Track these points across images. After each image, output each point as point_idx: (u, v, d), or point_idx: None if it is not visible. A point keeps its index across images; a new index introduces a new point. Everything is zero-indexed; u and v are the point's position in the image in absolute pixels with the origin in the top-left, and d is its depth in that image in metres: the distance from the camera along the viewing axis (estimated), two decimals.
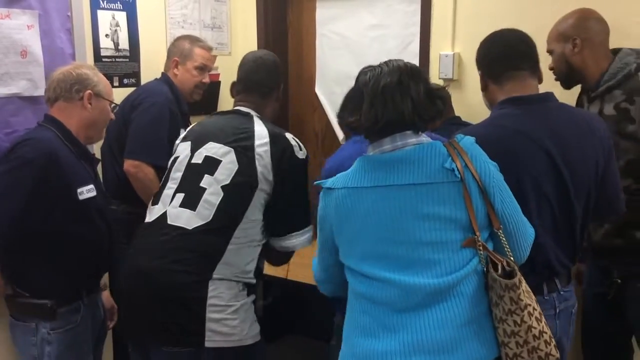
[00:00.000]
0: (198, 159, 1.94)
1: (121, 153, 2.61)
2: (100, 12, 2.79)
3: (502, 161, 1.63)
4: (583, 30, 2.20)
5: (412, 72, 1.54)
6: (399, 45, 3.18)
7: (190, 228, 1.84)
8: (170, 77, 2.78)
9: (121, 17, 2.90)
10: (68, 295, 2.10)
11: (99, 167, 2.50)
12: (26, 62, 2.34)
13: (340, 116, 1.72)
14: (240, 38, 3.56)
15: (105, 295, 2.37)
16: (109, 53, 2.86)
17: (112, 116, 2.23)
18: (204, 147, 1.95)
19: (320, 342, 3.21)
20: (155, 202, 2.01)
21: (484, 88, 1.93)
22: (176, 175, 1.97)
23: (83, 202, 2.06)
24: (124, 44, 2.94)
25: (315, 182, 1.65)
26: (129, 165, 2.57)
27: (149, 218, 2.00)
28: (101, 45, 2.81)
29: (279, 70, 2.17)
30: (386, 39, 3.23)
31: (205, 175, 1.89)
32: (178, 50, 2.80)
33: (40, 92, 2.38)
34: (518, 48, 1.85)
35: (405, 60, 1.58)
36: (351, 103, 1.59)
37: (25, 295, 2.05)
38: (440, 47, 2.92)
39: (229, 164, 1.89)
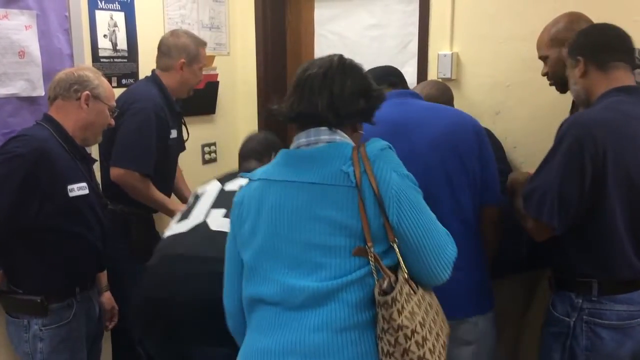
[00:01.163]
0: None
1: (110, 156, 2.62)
2: (98, 13, 2.78)
3: (619, 146, 1.67)
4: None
5: (344, 67, 1.50)
6: (398, 45, 3.18)
7: None
8: (159, 76, 2.74)
9: (119, 17, 2.89)
10: (60, 291, 2.11)
11: (97, 169, 2.52)
12: (24, 62, 2.33)
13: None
14: (238, 38, 3.56)
15: (107, 297, 2.38)
16: (107, 53, 2.85)
17: (112, 121, 2.24)
18: None
19: None
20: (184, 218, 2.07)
21: (583, 75, 1.91)
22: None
23: (74, 199, 2.07)
24: (122, 44, 2.93)
25: (241, 174, 1.76)
26: (114, 173, 2.58)
27: (182, 228, 2.02)
28: (99, 46, 2.80)
29: None
30: (385, 38, 3.23)
31: None
32: (184, 50, 2.74)
33: (38, 92, 2.38)
34: (627, 41, 1.89)
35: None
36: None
37: (18, 291, 2.08)
38: (438, 47, 2.91)
39: None
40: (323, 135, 1.48)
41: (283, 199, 1.46)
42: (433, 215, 1.46)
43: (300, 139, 1.51)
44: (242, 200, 1.54)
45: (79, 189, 2.07)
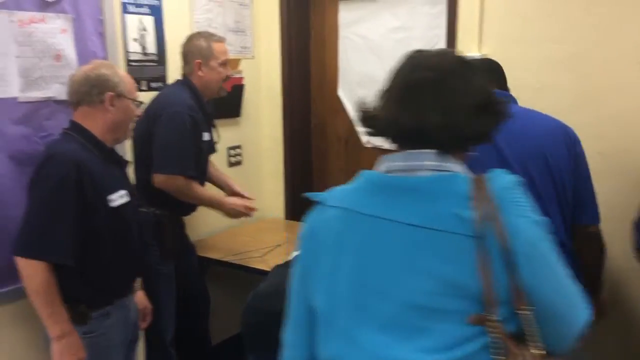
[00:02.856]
0: None
1: (148, 161, 2.64)
2: (127, 16, 2.81)
3: None
4: None
5: (464, 70, 1.16)
6: (424, 47, 3.15)
7: None
8: (191, 80, 2.76)
9: (148, 21, 2.91)
10: (100, 300, 2.10)
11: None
12: (60, 66, 2.35)
13: (362, 105, 1.26)
14: (263, 42, 3.57)
15: (140, 296, 2.38)
16: (137, 57, 2.87)
17: (138, 112, 2.20)
18: None
19: None
20: None
21: None
22: None
23: (115, 209, 2.06)
24: (152, 48, 2.95)
25: (304, 195, 1.30)
26: (158, 180, 2.60)
27: None
28: (130, 50, 2.83)
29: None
30: (410, 40, 3.23)
31: None
32: (197, 52, 2.75)
33: None
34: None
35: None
36: (379, 93, 1.21)
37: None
38: (466, 49, 2.91)
39: None
40: (428, 161, 1.13)
41: (373, 241, 1.13)
42: (566, 271, 1.14)
43: (395, 162, 1.15)
44: (315, 230, 1.21)
45: (119, 198, 2.07)
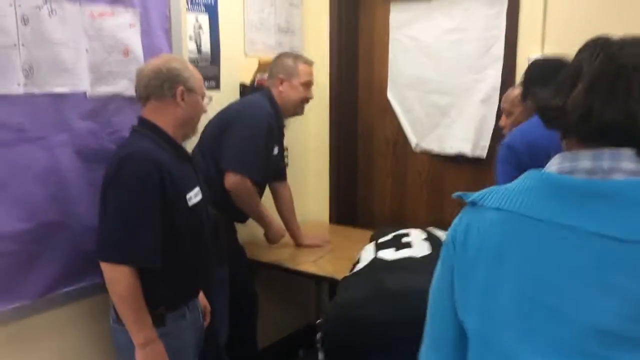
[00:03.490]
0: None
1: (214, 159, 2.61)
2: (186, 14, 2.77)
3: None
4: None
5: None
6: (480, 48, 3.12)
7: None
8: (272, 92, 2.80)
9: (204, 19, 2.87)
10: (177, 300, 2.05)
11: None
12: (127, 61, 2.30)
13: (541, 97, 1.10)
14: (312, 42, 3.53)
15: (200, 296, 2.33)
16: (192, 56, 2.83)
17: (206, 109, 2.17)
18: None
19: None
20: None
21: None
22: None
23: (192, 208, 2.01)
24: (206, 46, 2.90)
25: (454, 194, 1.13)
26: (231, 180, 2.61)
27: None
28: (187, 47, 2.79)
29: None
30: (464, 42, 3.17)
31: None
32: (281, 68, 2.84)
33: None
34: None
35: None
36: (561, 83, 1.03)
37: None
38: (528, 50, 2.87)
39: None
40: (625, 163, 0.96)
41: (548, 250, 0.96)
42: None
43: (581, 161, 0.98)
44: (467, 236, 1.05)
45: (195, 196, 2.03)
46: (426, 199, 3.47)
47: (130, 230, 1.85)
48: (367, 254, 2.09)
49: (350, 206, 3.72)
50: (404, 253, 1.94)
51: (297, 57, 2.90)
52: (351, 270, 2.14)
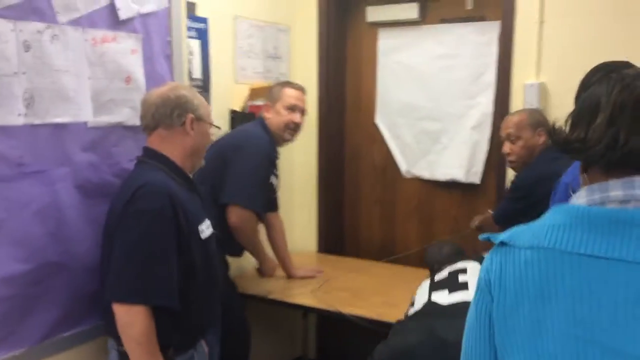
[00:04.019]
0: None
1: (212, 192, 2.51)
2: None
3: None
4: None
5: None
6: (471, 74, 3.13)
7: None
8: (265, 122, 2.73)
9: (195, 45, 2.76)
10: (186, 342, 1.93)
11: None
12: (129, 88, 2.17)
13: (557, 132, 1.08)
14: (299, 68, 3.46)
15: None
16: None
17: (213, 138, 2.12)
18: None
19: None
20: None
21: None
22: None
23: (204, 242, 1.91)
24: (197, 72, 2.79)
25: (482, 236, 1.10)
26: (237, 214, 2.53)
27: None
28: None
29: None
30: (455, 68, 3.18)
31: None
32: (269, 95, 2.79)
33: None
34: None
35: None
36: (579, 116, 1.04)
37: None
38: (523, 77, 2.88)
39: None
40: None
41: (596, 286, 0.93)
42: None
43: (612, 192, 0.98)
44: (502, 277, 1.02)
45: (207, 228, 1.93)
46: (417, 226, 3.42)
47: (147, 268, 1.72)
48: (421, 296, 2.01)
49: (338, 235, 3.64)
50: (458, 297, 1.87)
51: (286, 82, 2.85)
52: (406, 314, 2.06)
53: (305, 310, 3.15)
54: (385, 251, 3.43)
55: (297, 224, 3.57)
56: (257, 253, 2.78)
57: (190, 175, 2.00)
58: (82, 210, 2.04)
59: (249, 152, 2.53)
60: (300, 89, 2.82)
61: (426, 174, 3.33)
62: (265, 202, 2.63)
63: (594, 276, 0.93)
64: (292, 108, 2.73)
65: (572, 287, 0.94)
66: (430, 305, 1.90)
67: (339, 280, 2.96)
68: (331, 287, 2.87)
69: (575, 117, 1.04)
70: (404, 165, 3.39)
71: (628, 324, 0.89)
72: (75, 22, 1.98)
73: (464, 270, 2.01)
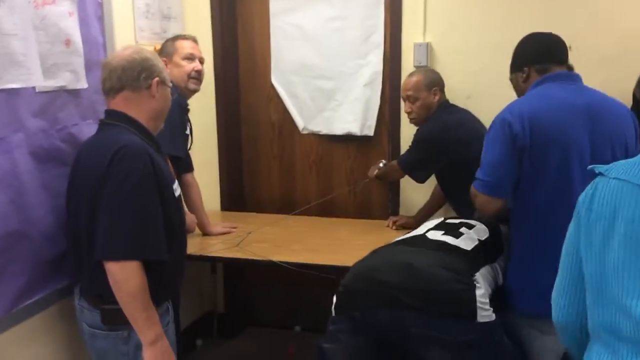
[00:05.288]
0: None
1: None
2: None
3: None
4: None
5: None
6: (361, 35, 3.38)
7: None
8: None
9: None
10: (164, 295, 2.01)
11: None
12: (69, 52, 2.13)
13: None
14: (192, 29, 3.46)
15: None
16: None
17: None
18: None
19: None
20: None
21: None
22: None
23: (178, 199, 2.01)
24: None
25: (589, 167, 1.30)
26: None
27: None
28: None
29: None
30: (346, 30, 3.40)
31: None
32: (163, 52, 2.80)
33: (82, 84, 2.22)
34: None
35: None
36: None
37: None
38: (412, 37, 3.19)
39: None
40: None
41: None
42: None
43: None
44: (593, 200, 1.24)
45: (177, 187, 2.02)
46: (315, 179, 3.67)
47: (137, 225, 1.79)
48: (420, 228, 2.23)
49: (240, 192, 3.78)
50: (446, 239, 2.08)
51: (177, 36, 2.88)
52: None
53: (225, 264, 3.39)
54: (286, 205, 3.64)
55: (200, 184, 3.64)
56: None
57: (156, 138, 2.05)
58: (37, 177, 2.01)
59: None
60: (192, 38, 2.88)
61: (323, 129, 3.56)
62: (185, 148, 2.69)
63: None
64: (190, 57, 2.79)
65: (632, 210, 1.15)
66: (417, 237, 2.15)
67: (256, 234, 3.11)
68: (251, 240, 3.02)
69: None
70: (300, 123, 3.60)
71: None
72: None
73: (471, 226, 2.21)
